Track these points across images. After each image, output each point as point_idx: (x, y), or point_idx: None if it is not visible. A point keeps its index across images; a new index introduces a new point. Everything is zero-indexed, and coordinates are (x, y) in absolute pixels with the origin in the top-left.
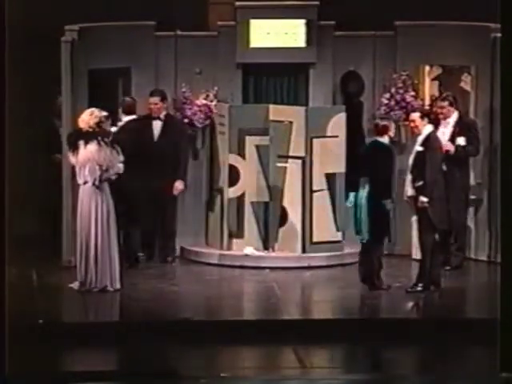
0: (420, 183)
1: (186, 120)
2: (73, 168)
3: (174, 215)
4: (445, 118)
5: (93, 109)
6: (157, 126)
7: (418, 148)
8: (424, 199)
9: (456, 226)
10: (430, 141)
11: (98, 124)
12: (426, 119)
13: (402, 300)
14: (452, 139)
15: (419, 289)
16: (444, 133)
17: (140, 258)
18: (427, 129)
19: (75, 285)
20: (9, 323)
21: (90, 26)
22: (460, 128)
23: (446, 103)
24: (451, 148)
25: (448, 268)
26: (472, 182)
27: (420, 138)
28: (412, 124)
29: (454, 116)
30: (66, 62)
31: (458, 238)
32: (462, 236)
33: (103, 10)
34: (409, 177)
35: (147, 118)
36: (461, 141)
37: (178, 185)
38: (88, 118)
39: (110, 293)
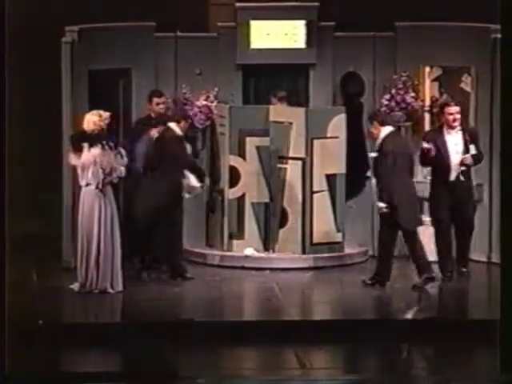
0: (378, 189)
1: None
2: (73, 169)
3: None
4: (456, 125)
5: (98, 110)
6: None
7: (373, 154)
8: (381, 205)
9: (463, 234)
10: (382, 144)
11: (107, 125)
12: (385, 125)
13: (402, 300)
14: (467, 149)
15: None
16: (456, 143)
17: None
18: (383, 132)
19: (75, 286)
20: (9, 323)
21: (90, 26)
22: (469, 136)
23: (458, 108)
24: (470, 161)
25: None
26: (473, 183)
27: (377, 144)
28: (374, 131)
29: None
30: (66, 62)
31: (464, 247)
32: (468, 246)
33: (103, 11)
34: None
35: (149, 118)
36: (472, 149)
37: None
38: (98, 119)
39: (111, 294)
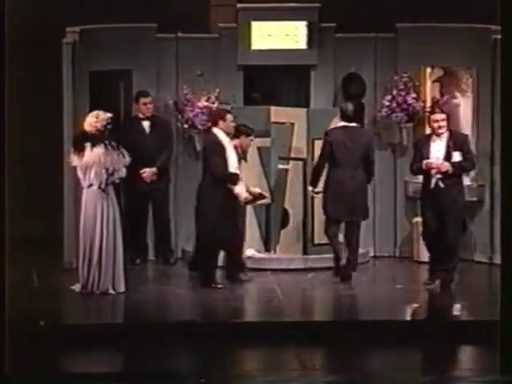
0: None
1: (187, 122)
2: (75, 170)
3: (166, 214)
4: (443, 133)
5: (98, 111)
6: (146, 125)
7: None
8: (310, 188)
9: (448, 245)
10: (326, 134)
11: (105, 126)
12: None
13: (402, 301)
14: (448, 156)
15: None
16: (439, 149)
17: (136, 262)
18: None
19: (76, 287)
20: (9, 324)
21: (91, 27)
22: (453, 143)
23: (444, 116)
24: (448, 168)
25: (429, 283)
26: (473, 184)
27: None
28: None
29: (446, 131)
30: (67, 63)
31: (447, 257)
32: (453, 256)
33: (104, 12)
34: None
35: (137, 119)
36: (456, 157)
37: (149, 171)
38: (94, 120)
39: (112, 295)
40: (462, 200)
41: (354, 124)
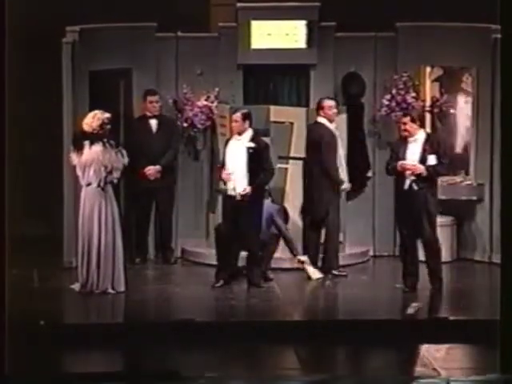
0: None
1: (187, 121)
2: (74, 169)
3: (169, 213)
4: (409, 135)
5: (96, 111)
6: (153, 124)
7: None
8: None
9: (425, 247)
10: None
11: (101, 126)
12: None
13: (402, 301)
14: (423, 159)
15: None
16: (414, 152)
17: (136, 261)
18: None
19: (76, 286)
20: (9, 324)
21: (91, 27)
22: (429, 146)
23: (407, 119)
24: (422, 170)
25: (406, 290)
26: (474, 183)
27: None
28: None
29: (421, 134)
30: (66, 63)
31: (428, 262)
32: (434, 259)
33: (104, 11)
34: None
35: (145, 117)
36: (432, 160)
37: (153, 168)
38: (91, 120)
39: (112, 294)
40: (435, 199)
41: (320, 120)
